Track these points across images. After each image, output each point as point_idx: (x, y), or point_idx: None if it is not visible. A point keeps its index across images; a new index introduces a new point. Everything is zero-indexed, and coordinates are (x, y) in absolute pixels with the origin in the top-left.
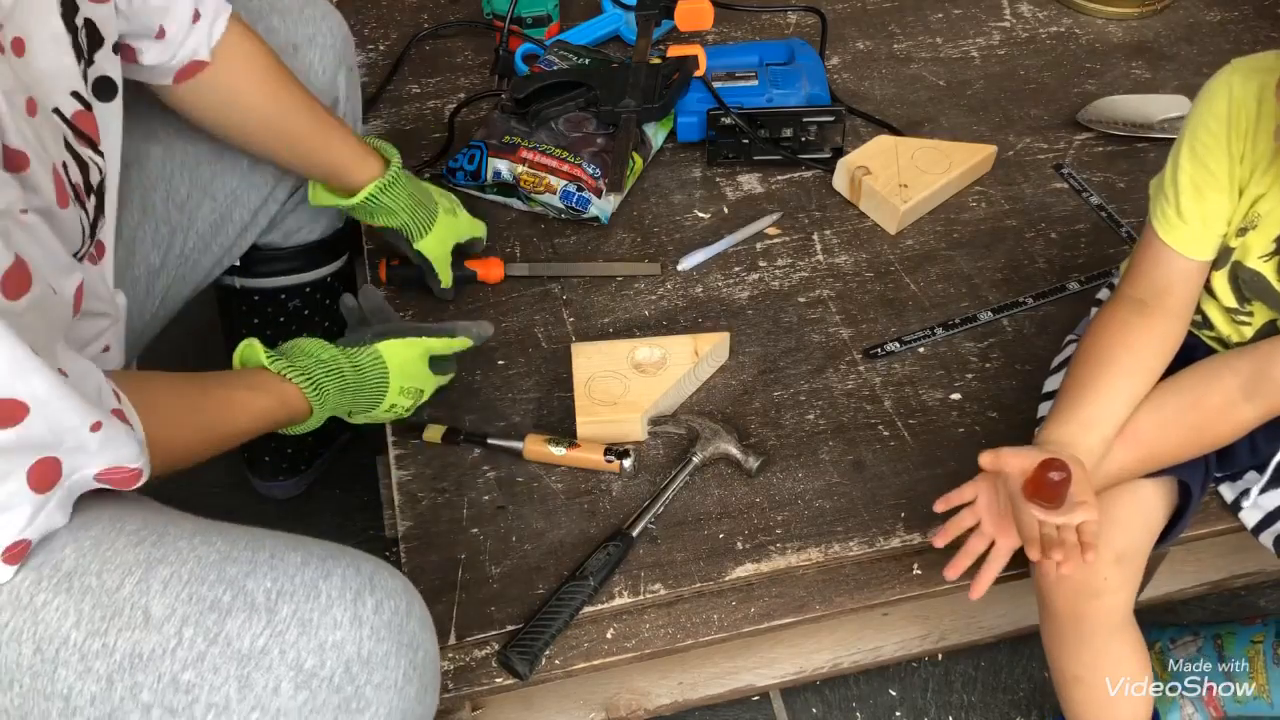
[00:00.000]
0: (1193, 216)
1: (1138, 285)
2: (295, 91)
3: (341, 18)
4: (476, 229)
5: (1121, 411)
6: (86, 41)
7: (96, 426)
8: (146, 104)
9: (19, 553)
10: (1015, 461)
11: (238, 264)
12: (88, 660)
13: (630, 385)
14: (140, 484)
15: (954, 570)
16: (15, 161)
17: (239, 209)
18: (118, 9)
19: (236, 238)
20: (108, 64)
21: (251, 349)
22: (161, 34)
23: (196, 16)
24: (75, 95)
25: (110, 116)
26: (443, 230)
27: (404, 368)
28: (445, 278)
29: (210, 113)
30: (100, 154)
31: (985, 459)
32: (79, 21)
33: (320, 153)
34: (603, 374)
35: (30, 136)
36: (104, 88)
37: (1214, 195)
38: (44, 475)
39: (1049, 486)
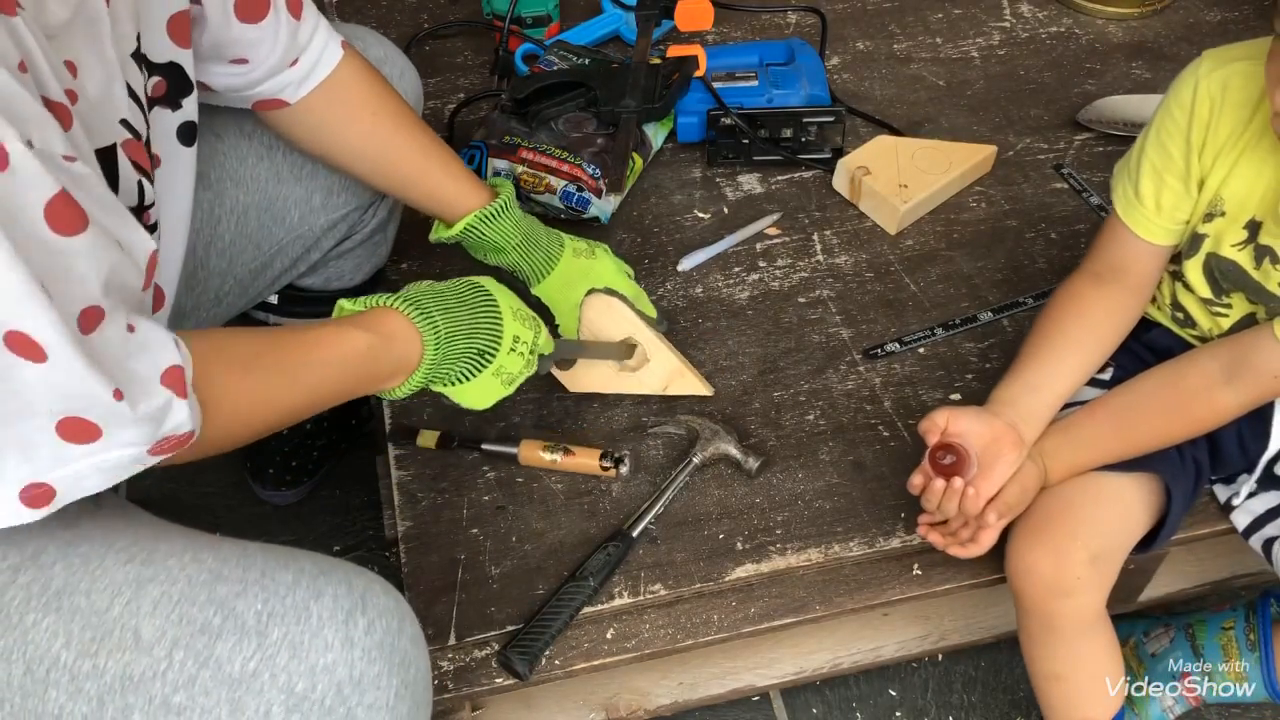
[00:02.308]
0: (1149, 199)
1: (1096, 260)
2: (397, 124)
3: (418, 76)
4: (619, 280)
5: (1069, 378)
6: (171, 85)
7: (118, 395)
8: (203, 150)
9: (42, 496)
10: (955, 424)
11: (272, 301)
12: (78, 681)
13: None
14: (191, 451)
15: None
16: (57, 114)
17: (281, 257)
18: (200, 40)
19: (273, 281)
20: (191, 109)
21: (339, 307)
22: (242, 61)
23: (293, 62)
24: (124, 124)
25: (187, 162)
26: (568, 273)
27: (503, 291)
28: (567, 327)
29: (297, 135)
30: (151, 182)
31: (921, 426)
32: (157, 62)
33: (419, 185)
34: (598, 328)
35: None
36: (186, 133)
37: (1172, 181)
38: (75, 431)
39: (938, 467)
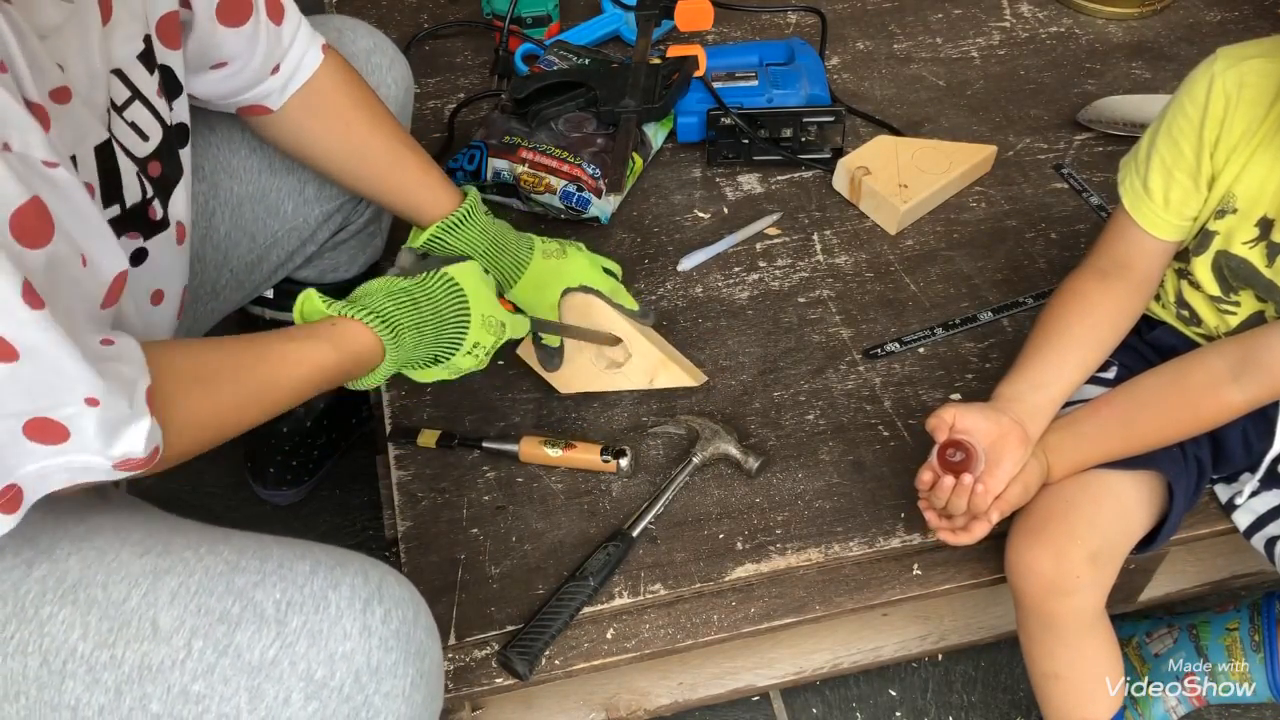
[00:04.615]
0: (1158, 193)
1: (1101, 256)
2: (372, 130)
3: (407, 65)
4: (592, 276)
5: (1072, 374)
6: (163, 86)
7: (93, 401)
8: (196, 142)
9: (13, 500)
10: (962, 420)
11: (268, 295)
12: (95, 672)
13: (584, 351)
14: (150, 467)
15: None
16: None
17: (277, 250)
18: (186, 46)
19: (270, 274)
20: (182, 111)
21: (309, 300)
22: (222, 65)
23: (275, 69)
24: (108, 127)
25: (183, 162)
26: (539, 275)
27: (479, 292)
28: (549, 337)
29: (277, 140)
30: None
31: (928, 423)
32: (155, 64)
33: (394, 193)
34: (583, 323)
35: (54, 112)
36: (180, 134)
37: (1182, 178)
38: (44, 431)
39: (946, 464)
